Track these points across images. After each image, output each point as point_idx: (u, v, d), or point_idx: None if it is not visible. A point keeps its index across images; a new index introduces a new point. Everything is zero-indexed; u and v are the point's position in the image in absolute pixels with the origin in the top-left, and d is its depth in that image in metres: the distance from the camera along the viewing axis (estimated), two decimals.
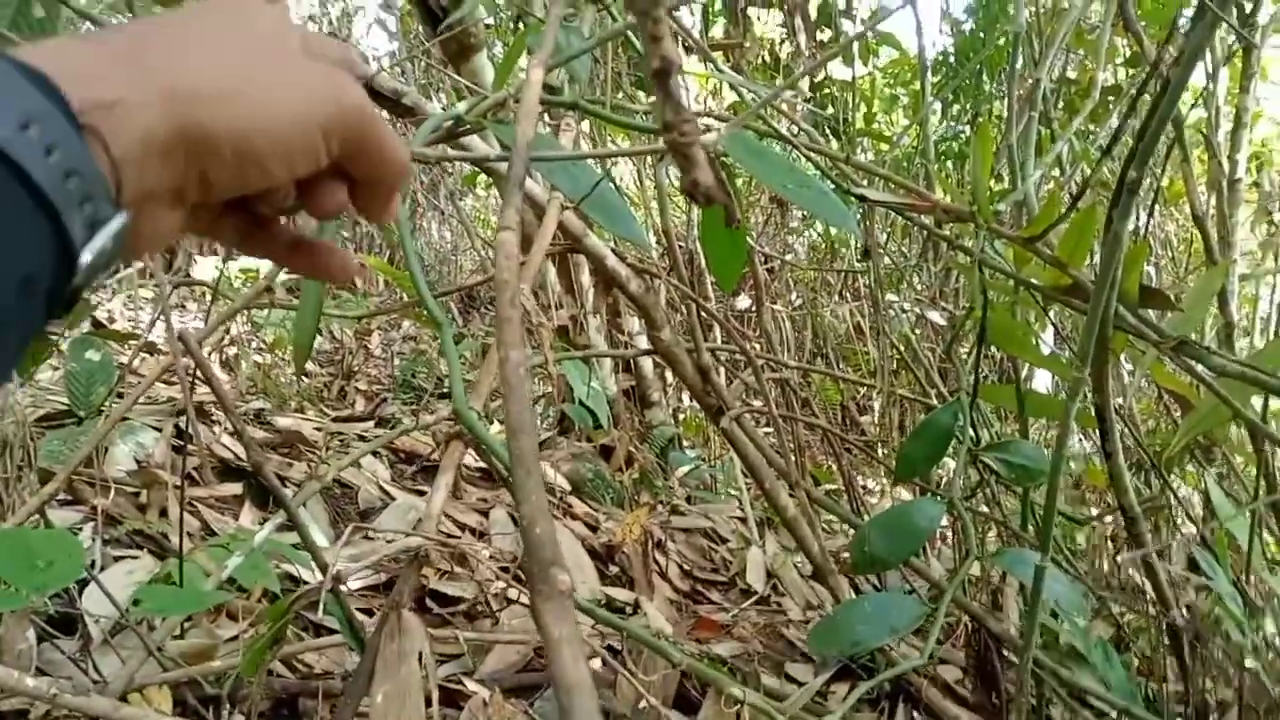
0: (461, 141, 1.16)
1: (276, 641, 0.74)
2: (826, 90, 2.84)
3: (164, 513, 1.42)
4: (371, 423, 2.23)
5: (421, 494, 1.76)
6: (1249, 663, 1.18)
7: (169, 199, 0.34)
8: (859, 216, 2.19)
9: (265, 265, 1.41)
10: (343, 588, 1.21)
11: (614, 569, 1.67)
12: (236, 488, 1.55)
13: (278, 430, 1.88)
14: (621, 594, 1.56)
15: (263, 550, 1.17)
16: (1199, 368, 1.17)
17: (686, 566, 1.78)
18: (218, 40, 0.35)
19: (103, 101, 0.30)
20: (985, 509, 1.74)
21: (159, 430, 1.64)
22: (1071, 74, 2.49)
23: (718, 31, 2.94)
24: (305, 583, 1.21)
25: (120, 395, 1.67)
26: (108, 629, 1.03)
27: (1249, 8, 2.16)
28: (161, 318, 1.13)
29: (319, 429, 1.97)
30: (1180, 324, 1.24)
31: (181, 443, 1.64)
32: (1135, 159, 0.96)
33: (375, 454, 1.84)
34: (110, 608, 0.97)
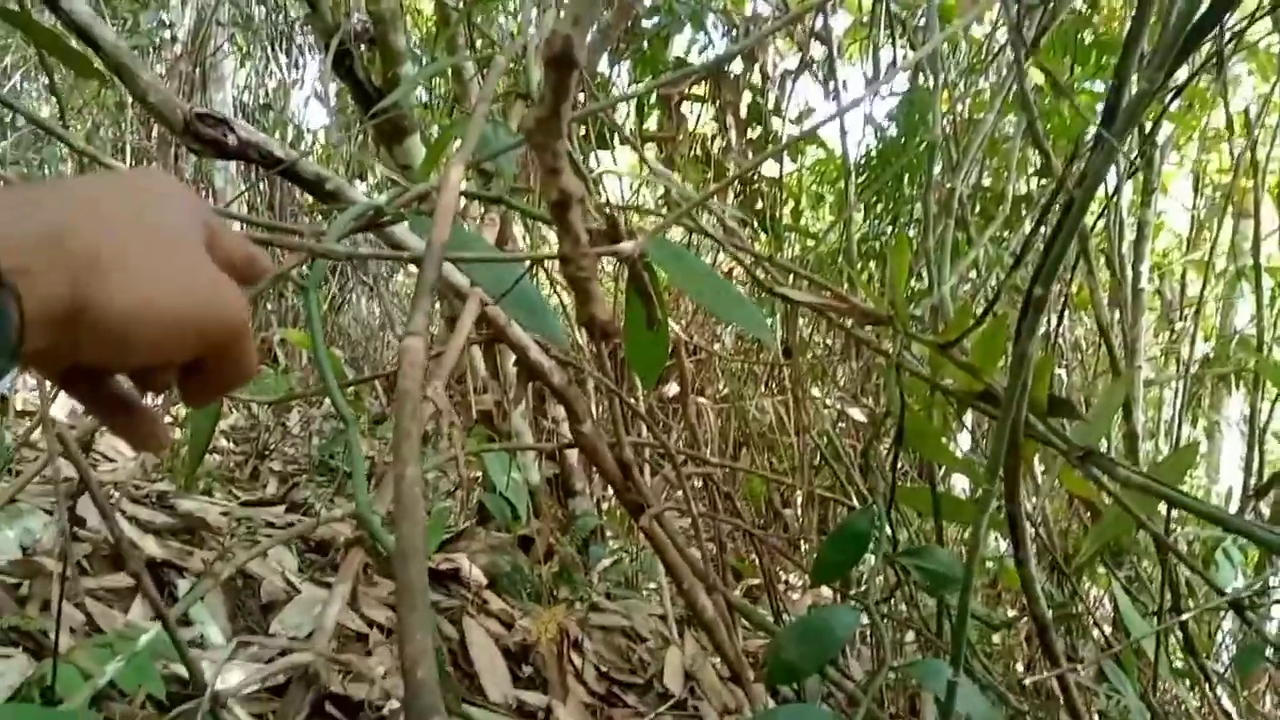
0: (385, 231, 1.15)
1: None
2: (755, 185, 2.91)
3: (46, 606, 1.33)
4: (282, 508, 2.14)
5: (330, 585, 1.68)
6: None
7: (42, 358, 0.37)
8: (783, 313, 2.23)
9: None
10: (233, 696, 1.14)
11: (528, 669, 1.62)
12: (128, 578, 1.46)
13: (181, 514, 1.79)
14: (534, 697, 1.51)
15: (149, 650, 1.10)
16: (1105, 477, 1.20)
17: (603, 667, 1.73)
18: (127, 225, 0.38)
19: (21, 268, 0.33)
20: (904, 608, 1.74)
21: (50, 514, 1.55)
22: (986, 181, 2.60)
23: (652, 124, 3.01)
24: (196, 683, 1.14)
25: (17, 473, 1.58)
26: None
27: (1149, 127, 2.29)
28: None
29: (225, 514, 1.88)
30: (1086, 433, 1.27)
31: (74, 528, 1.55)
32: (1040, 278, 0.99)
33: (284, 543, 1.76)
34: None
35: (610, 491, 2.53)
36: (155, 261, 0.37)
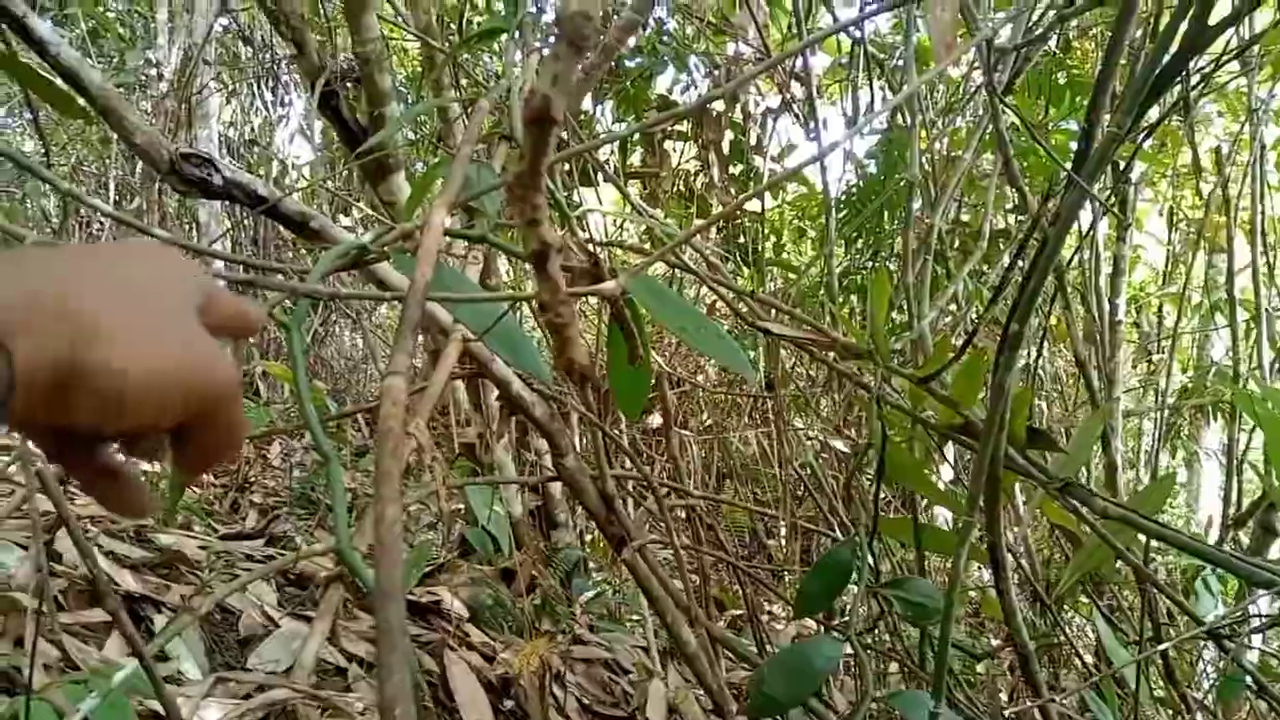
0: (370, 269, 1.16)
1: None
2: (738, 221, 2.94)
3: (20, 642, 1.31)
4: (262, 541, 2.13)
5: (310, 620, 1.67)
6: None
7: (32, 417, 0.37)
8: (765, 347, 2.25)
9: None
10: None
11: (509, 703, 1.61)
12: (104, 614, 1.44)
13: (158, 548, 1.78)
14: None
15: (124, 687, 1.09)
16: (1084, 508, 1.21)
17: (586, 700, 1.72)
18: (121, 290, 0.39)
19: (12, 327, 0.35)
20: (887, 638, 1.75)
21: (25, 548, 1.53)
22: (965, 217, 2.64)
23: (635, 160, 3.04)
24: None
25: None
26: None
27: (1122, 165, 2.34)
28: None
29: (204, 547, 1.87)
30: (1065, 465, 1.29)
31: (50, 563, 1.53)
32: (1017, 314, 1.01)
33: (263, 577, 1.75)
34: None
35: (593, 524, 2.53)
36: (149, 326, 0.38)
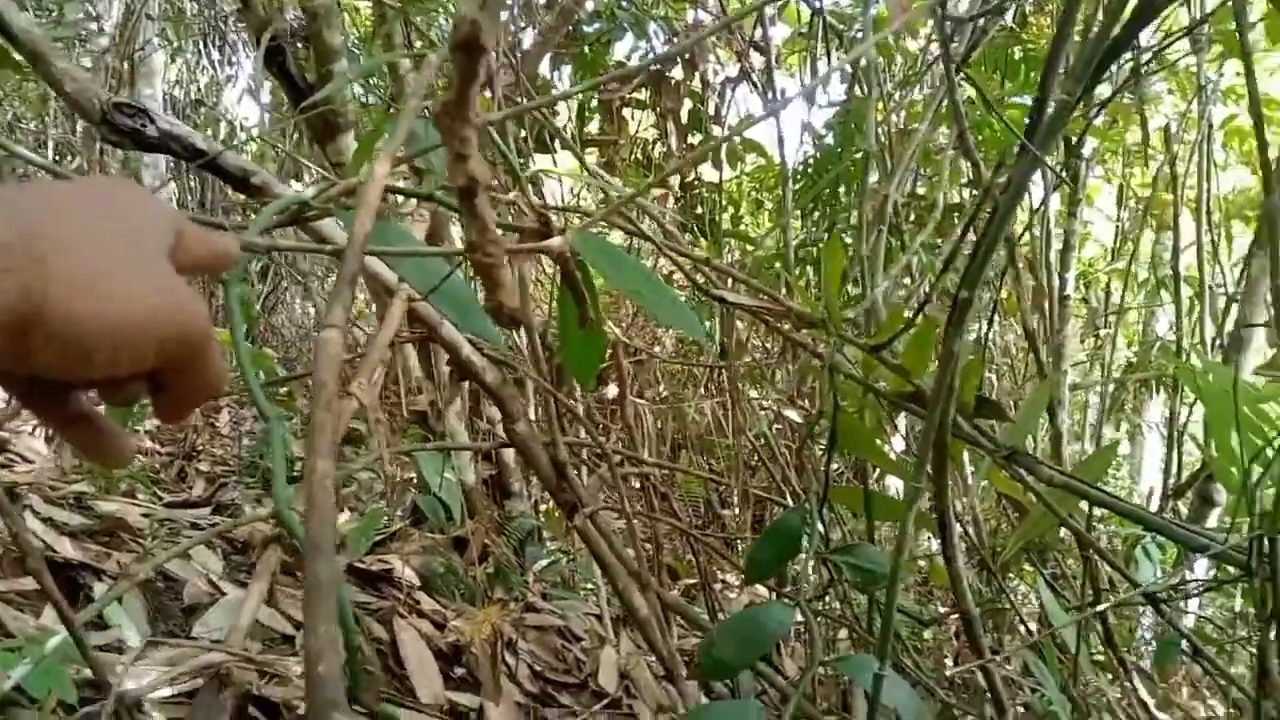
0: (313, 227, 1.13)
1: None
2: (696, 190, 2.93)
3: None
4: (208, 509, 2.09)
5: None
6: None
7: None
8: (721, 316, 2.24)
9: None
10: (142, 697, 1.11)
11: (460, 671, 1.60)
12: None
13: (99, 516, 1.74)
14: (466, 698, 1.49)
15: (58, 654, 1.06)
16: (1029, 477, 1.23)
17: (538, 667, 1.72)
18: (87, 232, 0.36)
19: None
20: (837, 605, 1.77)
21: None
22: (921, 190, 2.66)
23: (592, 128, 3.01)
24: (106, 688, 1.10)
25: None
26: None
27: (1074, 141, 2.36)
28: None
29: (147, 515, 1.83)
30: (1012, 434, 1.31)
31: None
32: (966, 280, 1.01)
33: (208, 544, 1.72)
34: None
35: (548, 494, 2.52)
36: (114, 270, 0.36)
